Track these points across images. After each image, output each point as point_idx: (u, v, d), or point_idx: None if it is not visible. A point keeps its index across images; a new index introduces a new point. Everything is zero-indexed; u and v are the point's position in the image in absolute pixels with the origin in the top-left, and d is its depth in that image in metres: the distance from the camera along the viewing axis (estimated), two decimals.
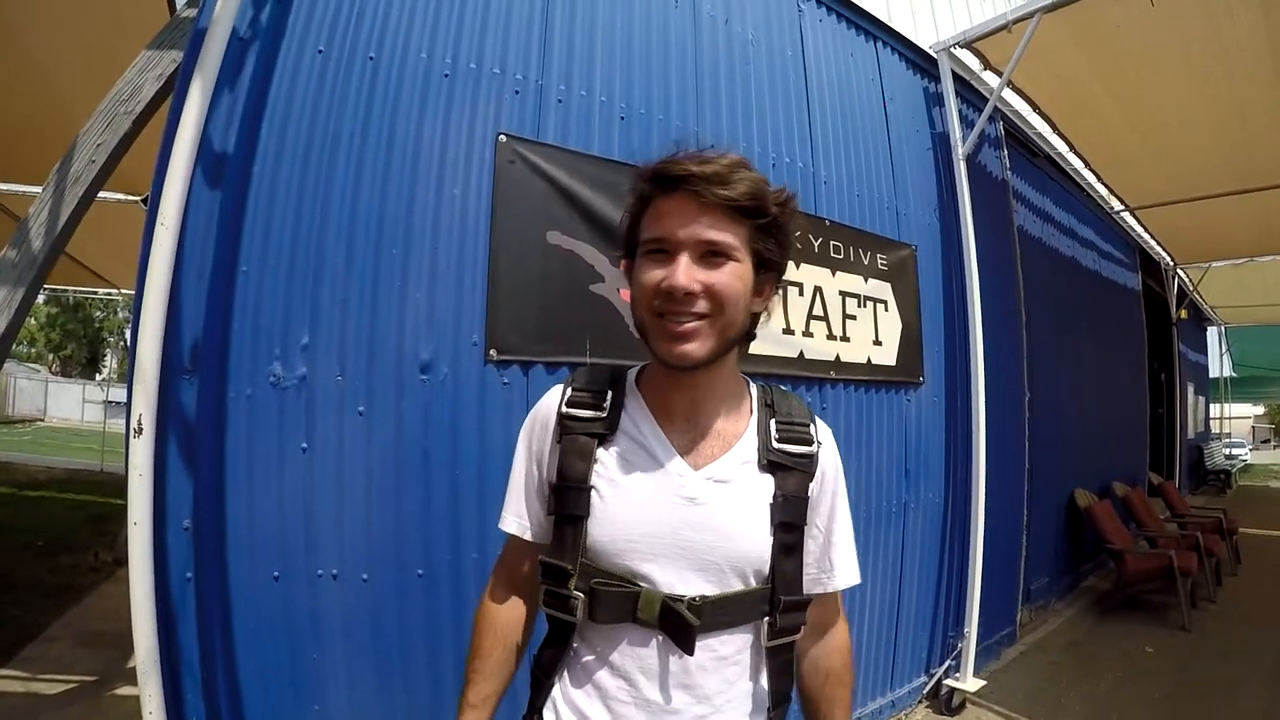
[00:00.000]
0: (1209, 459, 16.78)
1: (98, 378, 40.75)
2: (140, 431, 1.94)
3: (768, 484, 1.13)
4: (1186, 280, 11.78)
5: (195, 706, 2.12)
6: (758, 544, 1.10)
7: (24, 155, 5.24)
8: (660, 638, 1.08)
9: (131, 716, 1.95)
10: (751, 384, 1.25)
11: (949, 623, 4.45)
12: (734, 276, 1.04)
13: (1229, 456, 18.48)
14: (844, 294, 3.77)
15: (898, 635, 4.11)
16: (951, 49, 4.65)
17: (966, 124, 4.69)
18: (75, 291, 13.20)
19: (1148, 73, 4.82)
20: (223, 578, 2.17)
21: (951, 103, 4.61)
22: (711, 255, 1.04)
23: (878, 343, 3.96)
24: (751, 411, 1.20)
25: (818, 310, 3.62)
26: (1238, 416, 26.63)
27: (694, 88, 3.33)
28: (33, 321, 40.69)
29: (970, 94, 5.04)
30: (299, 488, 2.27)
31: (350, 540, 2.32)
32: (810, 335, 3.56)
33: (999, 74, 4.66)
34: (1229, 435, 20.90)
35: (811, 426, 1.20)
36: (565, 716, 1.13)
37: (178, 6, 2.64)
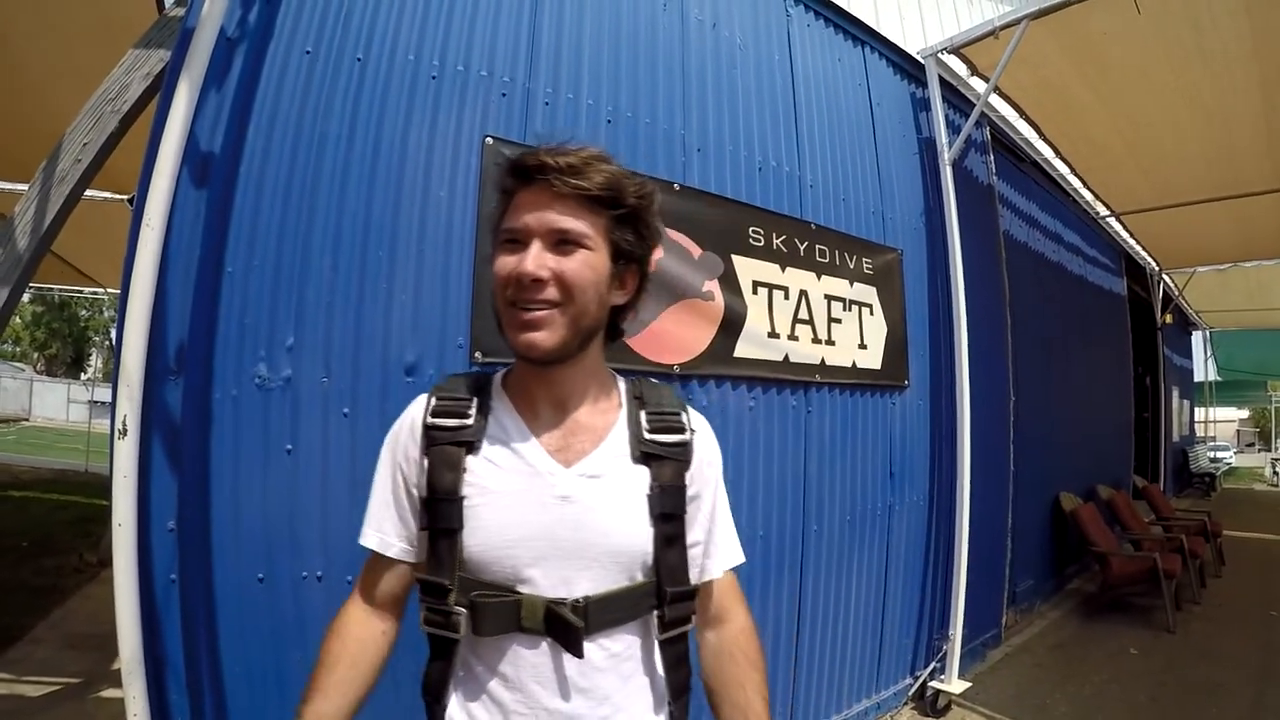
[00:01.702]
0: (1193, 462, 16.87)
1: (83, 377, 40.46)
2: (125, 433, 1.94)
3: (643, 475, 1.13)
4: (1171, 285, 11.86)
5: (180, 708, 2.11)
6: (637, 537, 1.10)
7: (7, 152, 5.21)
8: (549, 643, 1.07)
9: (117, 719, 1.95)
10: (620, 379, 1.25)
11: (934, 625, 4.48)
12: (584, 265, 1.05)
13: (1213, 460, 18.57)
14: (829, 298, 3.79)
15: (883, 637, 4.13)
16: (939, 55, 4.67)
17: (953, 129, 4.72)
18: (61, 290, 13.12)
19: (1133, 80, 4.86)
20: (207, 579, 2.16)
21: (938, 108, 4.62)
22: (562, 244, 1.04)
23: (863, 346, 3.97)
24: (621, 405, 1.20)
25: (803, 314, 3.63)
26: (1222, 420, 26.76)
27: (681, 91, 3.33)
28: (18, 320, 40.33)
29: (957, 99, 5.05)
30: (284, 489, 2.26)
31: (335, 542, 2.31)
32: (795, 339, 3.57)
33: (986, 80, 4.69)
34: (1214, 439, 21.00)
35: (683, 415, 1.21)
36: None
37: (165, 6, 2.63)
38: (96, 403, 23.48)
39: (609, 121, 3.06)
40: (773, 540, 3.47)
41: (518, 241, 1.06)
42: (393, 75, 2.57)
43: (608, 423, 1.16)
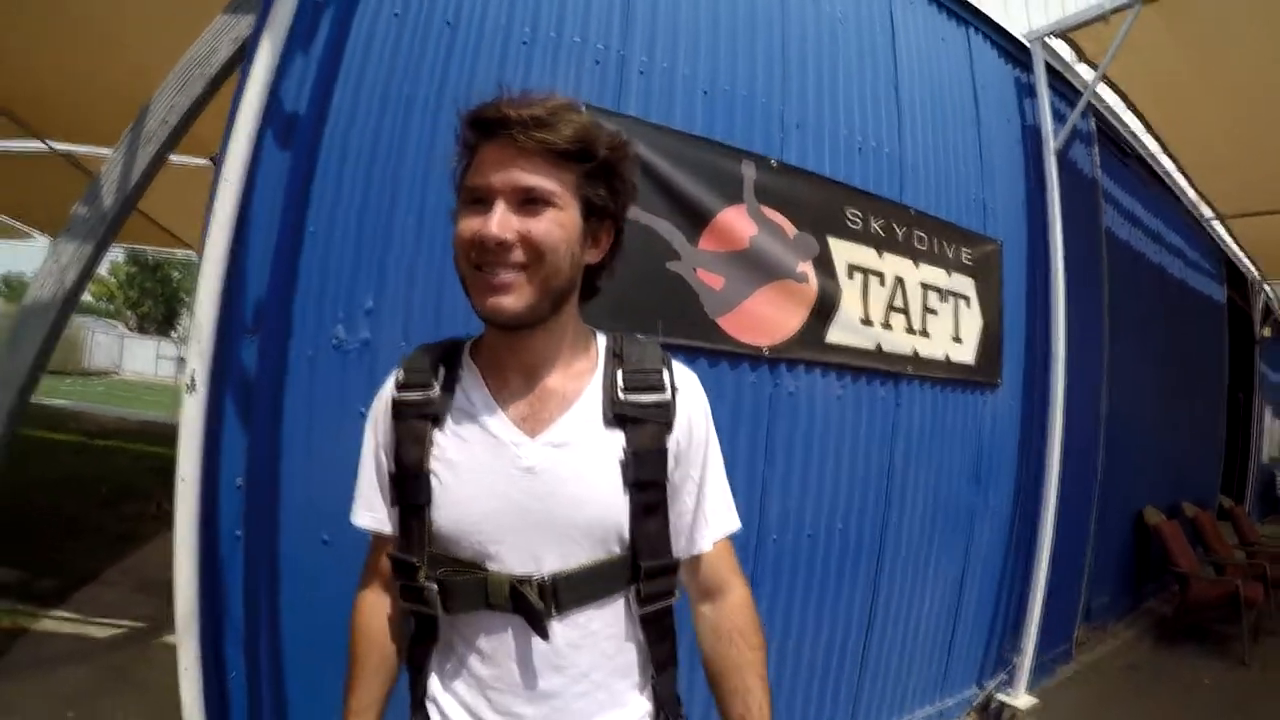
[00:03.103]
0: None
1: (173, 335, 42.16)
2: (193, 388, 1.96)
3: (616, 440, 1.06)
4: (1272, 296, 11.25)
5: (236, 662, 2.14)
6: (610, 508, 1.04)
7: (105, 119, 5.39)
8: (519, 621, 1.03)
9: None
10: (600, 335, 1.18)
11: (1006, 634, 4.34)
12: (553, 224, 0.98)
13: None
14: (925, 286, 3.65)
15: (953, 643, 4.03)
16: (1045, 38, 4.49)
17: (1058, 117, 4.52)
18: (154, 252, 13.68)
19: (1248, 74, 4.58)
20: (272, 538, 2.17)
21: (1044, 94, 4.43)
22: (529, 203, 0.98)
23: (957, 340, 3.83)
24: (597, 366, 1.12)
25: (898, 302, 3.52)
26: None
27: (780, 65, 3.22)
28: (113, 279, 42.24)
29: (1063, 86, 4.84)
30: (355, 453, 2.23)
31: None
32: (889, 327, 3.46)
33: (1094, 66, 4.48)
34: None
35: (665, 373, 1.12)
36: (447, 707, 1.09)
37: None
38: (184, 360, 24.51)
39: (705, 93, 2.98)
40: (851, 534, 3.39)
41: (481, 201, 0.99)
42: (483, 40, 2.54)
43: (580, 386, 1.09)
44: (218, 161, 2.10)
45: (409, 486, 1.06)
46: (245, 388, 2.14)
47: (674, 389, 1.11)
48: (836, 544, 3.31)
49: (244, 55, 2.34)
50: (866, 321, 3.36)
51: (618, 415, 1.06)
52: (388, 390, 1.14)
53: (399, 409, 1.09)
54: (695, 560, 1.18)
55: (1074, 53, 4.75)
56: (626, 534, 1.05)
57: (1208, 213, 7.59)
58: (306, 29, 2.23)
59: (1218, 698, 4.74)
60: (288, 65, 2.17)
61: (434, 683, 1.12)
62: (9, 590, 4.30)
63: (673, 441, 1.09)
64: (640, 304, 2.67)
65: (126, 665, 3.60)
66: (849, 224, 3.32)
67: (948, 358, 3.77)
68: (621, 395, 1.08)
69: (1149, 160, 6.36)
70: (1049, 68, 4.56)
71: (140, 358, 34.52)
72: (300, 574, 2.19)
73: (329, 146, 2.28)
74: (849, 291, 3.28)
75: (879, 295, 3.42)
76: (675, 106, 2.89)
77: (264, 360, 2.17)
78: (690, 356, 2.80)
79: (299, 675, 2.20)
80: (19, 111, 5.63)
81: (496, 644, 1.05)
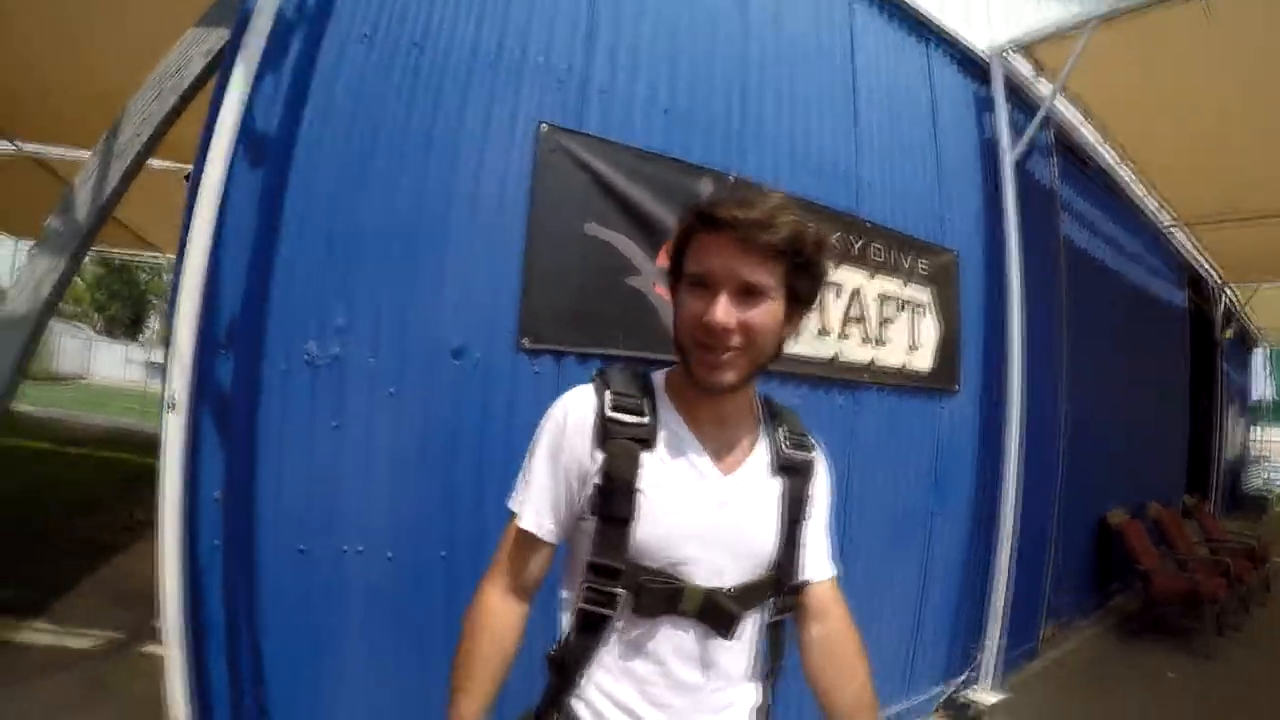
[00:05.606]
0: (1246, 484, 16.39)
1: (140, 339, 41.52)
2: (174, 407, 2.00)
3: (778, 485, 1.26)
4: (1234, 299, 11.48)
5: (219, 670, 2.18)
6: (771, 539, 1.23)
7: (67, 118, 5.39)
8: (693, 625, 1.18)
9: (159, 673, 2.01)
10: (756, 393, 1.36)
11: (970, 634, 4.43)
12: (767, 314, 1.13)
13: (1266, 481, 17.98)
14: (882, 297, 3.75)
15: (918, 642, 4.10)
16: (1004, 53, 4.59)
17: (1016, 130, 4.62)
18: (121, 254, 13.50)
19: (1204, 86, 4.74)
20: (250, 548, 2.22)
21: (1002, 108, 4.55)
22: (748, 294, 1.12)
23: (914, 348, 3.93)
24: (759, 420, 1.32)
25: (855, 312, 3.61)
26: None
27: (739, 84, 3.31)
28: (80, 282, 41.43)
29: (1021, 99, 4.94)
30: (328, 464, 2.31)
31: (376, 518, 2.37)
32: (846, 337, 3.55)
33: (1051, 81, 4.59)
34: (1270, 460, 20.32)
35: (808, 437, 1.35)
36: (599, 704, 1.18)
37: None
38: (153, 364, 24.12)
39: (665, 112, 3.05)
40: None
41: (704, 285, 1.14)
42: (449, 61, 2.60)
43: (754, 438, 1.29)
44: (191, 183, 2.14)
45: (618, 501, 1.16)
46: (221, 402, 2.19)
47: (815, 450, 1.35)
48: None
49: (216, 67, 2.38)
50: (824, 332, 3.44)
51: (782, 466, 1.27)
52: (590, 407, 1.22)
53: (610, 428, 1.19)
54: (807, 587, 1.34)
55: (1033, 67, 4.87)
56: (775, 559, 1.24)
57: (1168, 220, 7.74)
58: (278, 48, 2.28)
59: (1182, 689, 4.86)
60: (260, 83, 2.21)
61: (590, 682, 1.20)
62: None
63: (810, 491, 1.31)
64: (601, 317, 2.75)
65: (106, 675, 3.61)
66: None
67: (905, 366, 3.87)
68: (785, 450, 1.28)
69: (1109, 170, 6.49)
70: (1008, 81, 4.66)
71: (108, 362, 33.97)
72: (277, 583, 2.25)
73: (299, 165, 2.33)
74: None
75: (836, 306, 3.51)
76: (635, 125, 2.95)
77: (238, 375, 2.22)
78: (650, 369, 2.86)
79: (280, 681, 2.25)
80: None
81: (664, 645, 1.18)
